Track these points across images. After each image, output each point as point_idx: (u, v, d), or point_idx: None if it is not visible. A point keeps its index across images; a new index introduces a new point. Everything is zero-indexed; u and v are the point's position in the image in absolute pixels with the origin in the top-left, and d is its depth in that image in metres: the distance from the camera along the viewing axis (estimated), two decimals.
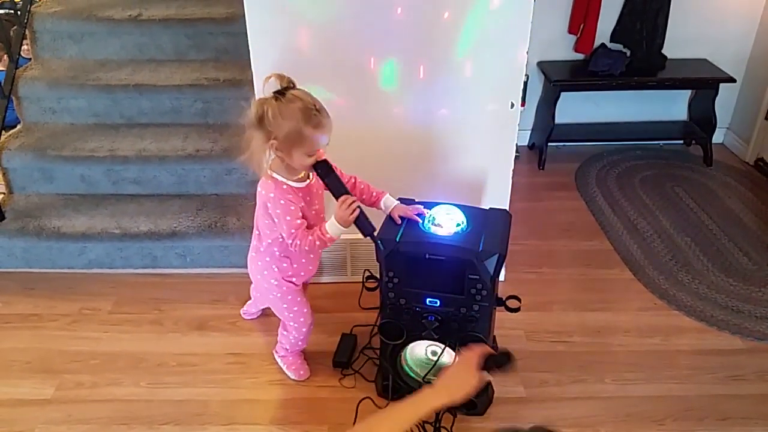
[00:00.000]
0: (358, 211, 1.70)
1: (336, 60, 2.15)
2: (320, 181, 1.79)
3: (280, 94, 1.65)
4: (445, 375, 1.36)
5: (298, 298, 2.00)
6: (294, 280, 1.96)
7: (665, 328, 2.34)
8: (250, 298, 2.38)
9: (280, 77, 1.67)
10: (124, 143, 2.75)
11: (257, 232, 1.92)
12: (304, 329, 2.05)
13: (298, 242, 1.76)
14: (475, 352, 1.38)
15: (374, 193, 1.93)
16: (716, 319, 2.38)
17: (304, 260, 1.94)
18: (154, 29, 2.98)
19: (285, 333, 2.09)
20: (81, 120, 2.90)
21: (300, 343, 2.10)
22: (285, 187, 1.76)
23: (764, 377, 2.13)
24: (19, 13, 2.92)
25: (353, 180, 1.94)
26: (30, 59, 3.05)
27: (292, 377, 2.14)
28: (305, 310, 2.03)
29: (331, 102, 2.17)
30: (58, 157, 2.72)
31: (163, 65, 2.96)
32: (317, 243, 1.75)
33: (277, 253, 1.90)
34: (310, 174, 1.81)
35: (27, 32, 2.97)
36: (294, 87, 1.69)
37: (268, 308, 2.26)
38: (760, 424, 1.96)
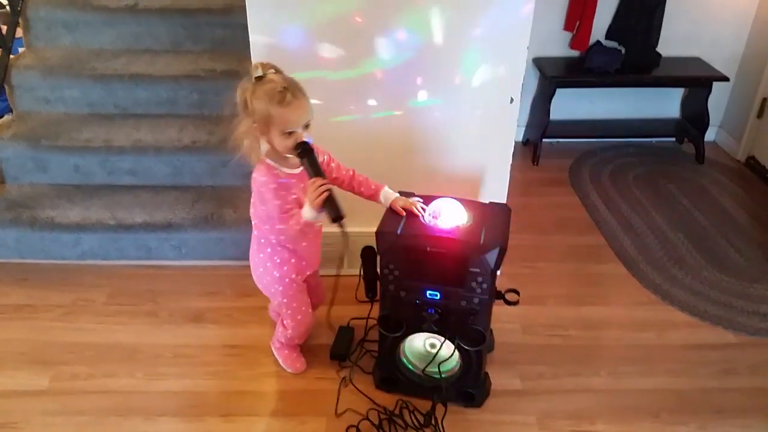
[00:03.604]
0: (326, 194, 1.67)
1: (336, 52, 2.15)
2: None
3: (258, 79, 1.67)
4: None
5: (299, 296, 1.99)
6: (294, 276, 1.94)
7: (659, 323, 2.37)
8: (246, 291, 2.36)
9: (263, 65, 1.69)
10: (119, 134, 2.73)
11: (255, 222, 1.91)
12: (301, 329, 2.04)
13: (282, 228, 1.77)
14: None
15: (373, 186, 1.93)
16: (709, 314, 2.41)
17: (304, 243, 1.91)
18: (151, 19, 2.96)
19: (282, 329, 2.09)
20: (75, 110, 2.87)
21: (296, 339, 2.10)
22: (276, 172, 1.76)
23: (756, 371, 2.16)
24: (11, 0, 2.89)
25: (351, 173, 1.94)
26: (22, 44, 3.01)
27: (289, 370, 2.13)
28: (304, 308, 2.02)
29: (329, 92, 2.17)
30: (52, 146, 2.69)
31: (158, 56, 2.94)
32: (296, 227, 1.74)
33: (275, 242, 1.89)
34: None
35: (20, 20, 2.94)
36: (276, 72, 1.70)
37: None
38: (753, 417, 1.98)
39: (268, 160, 1.77)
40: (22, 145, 2.70)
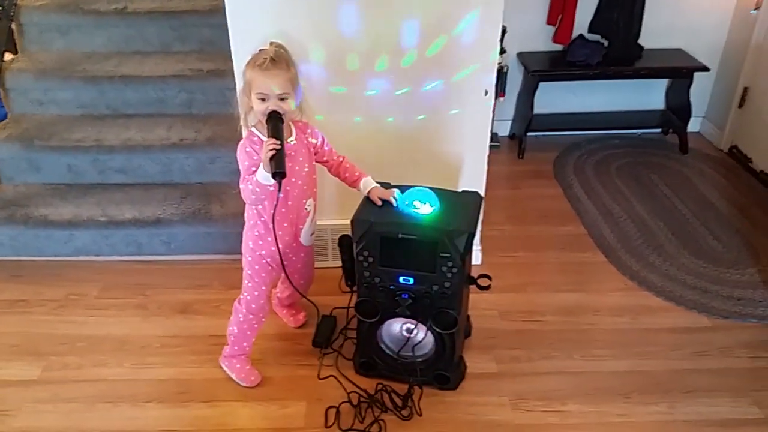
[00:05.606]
0: (274, 151, 1.73)
1: (312, 47, 2.22)
2: (301, 150, 1.89)
3: (260, 50, 1.79)
4: None
5: (263, 274, 2.01)
6: (264, 253, 1.97)
7: (635, 308, 2.42)
8: (234, 283, 2.40)
9: (272, 42, 1.81)
10: (109, 133, 2.81)
11: None
12: (251, 306, 2.03)
13: (242, 187, 1.84)
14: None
15: (357, 173, 2.01)
16: (684, 298, 2.46)
17: (285, 224, 1.95)
18: (140, 22, 3.04)
19: (237, 306, 2.06)
20: (68, 111, 2.96)
21: (245, 324, 2.06)
22: (256, 138, 1.84)
23: (727, 353, 2.21)
24: (5, 5, 2.97)
25: (340, 159, 2.02)
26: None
27: (243, 384, 2.10)
28: (264, 288, 2.03)
29: (308, 86, 2.23)
30: (45, 147, 2.78)
31: (148, 57, 3.03)
32: (250, 187, 1.81)
33: (257, 216, 1.94)
34: (292, 133, 1.88)
35: (14, 25, 3.02)
36: (279, 48, 1.80)
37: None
38: (722, 396, 2.03)
39: (253, 129, 1.86)
40: (17, 146, 2.79)
